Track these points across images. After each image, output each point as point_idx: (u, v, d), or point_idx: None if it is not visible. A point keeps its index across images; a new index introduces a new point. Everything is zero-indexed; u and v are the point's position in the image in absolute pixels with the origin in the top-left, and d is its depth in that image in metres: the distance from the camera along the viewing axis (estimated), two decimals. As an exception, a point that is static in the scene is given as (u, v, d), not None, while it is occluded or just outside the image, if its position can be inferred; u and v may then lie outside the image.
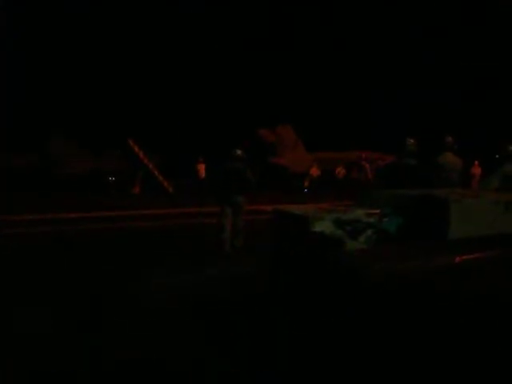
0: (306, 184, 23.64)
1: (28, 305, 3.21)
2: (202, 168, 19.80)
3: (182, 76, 36.42)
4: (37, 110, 30.39)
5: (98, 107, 32.39)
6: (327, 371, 2.74)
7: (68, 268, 5.95)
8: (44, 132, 28.39)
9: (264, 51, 37.57)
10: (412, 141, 6.58)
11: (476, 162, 19.58)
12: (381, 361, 2.64)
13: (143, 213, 11.85)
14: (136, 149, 19.58)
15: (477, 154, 19.16)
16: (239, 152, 7.44)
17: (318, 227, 3.89)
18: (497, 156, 8.22)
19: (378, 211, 4.07)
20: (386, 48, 37.23)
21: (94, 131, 28.90)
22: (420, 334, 2.59)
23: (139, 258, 6.60)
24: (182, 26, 37.87)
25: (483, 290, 2.67)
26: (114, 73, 34.74)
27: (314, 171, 24.13)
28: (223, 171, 7.40)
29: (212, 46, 37.13)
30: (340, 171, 24.85)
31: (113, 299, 3.15)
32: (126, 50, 36.09)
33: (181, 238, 8.29)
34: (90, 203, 13.91)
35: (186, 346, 2.81)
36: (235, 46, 37.15)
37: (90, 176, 25.08)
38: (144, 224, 10.42)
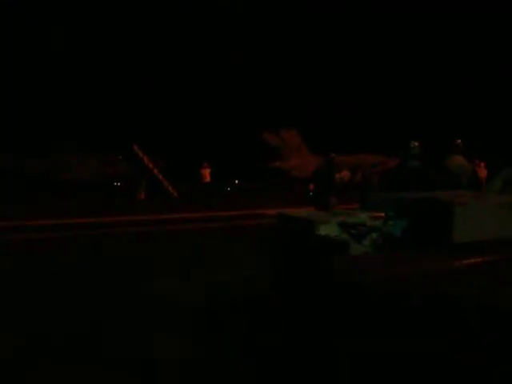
0: (312, 187, 23.57)
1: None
2: (206, 172, 19.81)
3: (187, 81, 36.55)
4: (42, 116, 30.58)
5: (103, 112, 32.54)
6: (318, 372, 2.76)
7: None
8: (49, 137, 28.54)
9: (268, 54, 37.60)
10: (416, 144, 6.57)
11: (482, 164, 19.42)
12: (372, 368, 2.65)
13: (150, 218, 11.88)
14: (140, 154, 19.62)
15: (482, 156, 19.00)
16: (333, 155, 9.73)
17: (323, 231, 3.88)
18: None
19: (382, 214, 4.06)
20: (389, 49, 37.21)
21: (100, 136, 29.02)
22: (416, 340, 2.58)
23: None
24: (188, 31, 38.06)
25: (483, 294, 2.66)
26: (121, 78, 34.91)
27: (319, 174, 24.12)
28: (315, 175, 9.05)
29: (217, 49, 37.26)
30: (345, 174, 24.85)
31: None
32: (131, 55, 36.27)
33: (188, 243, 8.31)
34: (97, 209, 13.95)
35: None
36: (240, 50, 37.26)
37: (96, 181, 25.14)
38: (149, 228, 10.45)
